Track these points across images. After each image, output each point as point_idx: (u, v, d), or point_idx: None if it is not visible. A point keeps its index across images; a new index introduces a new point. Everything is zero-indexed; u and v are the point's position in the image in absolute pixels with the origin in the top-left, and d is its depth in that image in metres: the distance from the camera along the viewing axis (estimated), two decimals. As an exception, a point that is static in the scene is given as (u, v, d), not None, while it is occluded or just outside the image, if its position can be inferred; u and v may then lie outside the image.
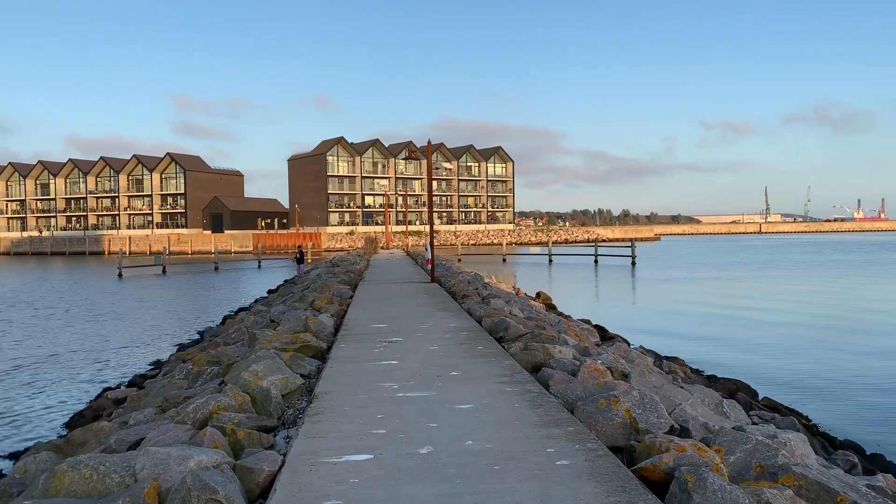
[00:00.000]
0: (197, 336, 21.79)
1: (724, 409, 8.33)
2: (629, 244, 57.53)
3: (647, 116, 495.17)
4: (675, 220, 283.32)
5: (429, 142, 20.85)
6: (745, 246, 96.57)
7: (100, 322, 25.71)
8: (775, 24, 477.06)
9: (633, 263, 53.03)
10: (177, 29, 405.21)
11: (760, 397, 12.13)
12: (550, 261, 59.53)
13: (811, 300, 29.52)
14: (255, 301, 29.45)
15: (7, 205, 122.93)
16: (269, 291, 34.94)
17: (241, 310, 26.71)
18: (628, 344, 16.70)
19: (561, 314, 20.43)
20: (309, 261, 58.52)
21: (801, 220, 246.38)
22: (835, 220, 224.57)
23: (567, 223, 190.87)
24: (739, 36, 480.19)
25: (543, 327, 11.05)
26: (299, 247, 45.79)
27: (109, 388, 13.91)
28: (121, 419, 8.41)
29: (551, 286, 37.27)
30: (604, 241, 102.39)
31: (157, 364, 17.29)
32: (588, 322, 19.49)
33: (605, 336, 17.11)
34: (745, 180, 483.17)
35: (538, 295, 26.55)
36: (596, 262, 57.21)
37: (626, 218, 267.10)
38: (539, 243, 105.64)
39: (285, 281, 38.58)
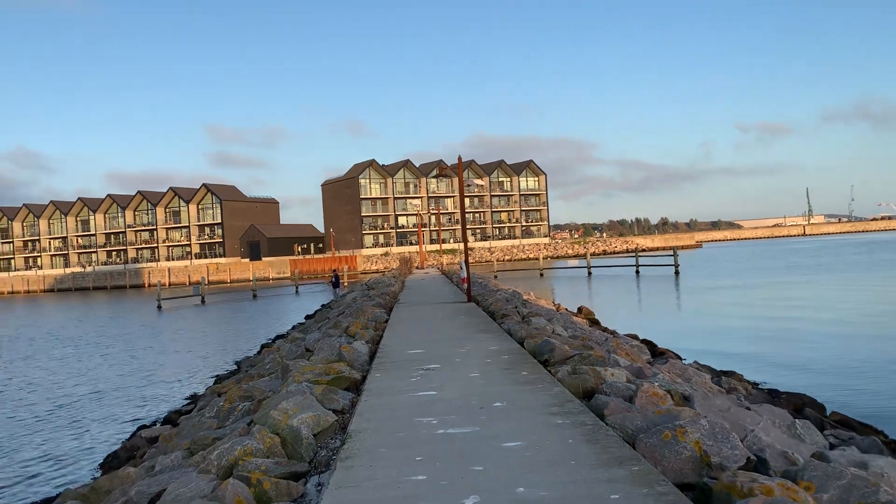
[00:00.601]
0: (234, 366, 21.53)
1: (798, 431, 7.56)
2: (670, 253, 56.20)
3: (682, 122, 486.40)
4: (716, 226, 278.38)
5: (459, 158, 20.37)
6: (792, 249, 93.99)
7: (139, 356, 25.66)
8: (807, 21, 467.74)
9: (677, 272, 51.72)
10: (211, 62, 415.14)
11: (828, 412, 11.23)
12: (589, 273, 58.46)
13: (868, 303, 28.15)
14: (293, 328, 29.20)
15: (50, 242, 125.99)
16: (307, 317, 34.72)
17: (278, 337, 26.46)
18: (680, 359, 15.87)
19: (605, 330, 19.64)
20: (345, 284, 58.41)
21: (845, 220, 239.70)
22: (881, 218, 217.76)
23: (604, 234, 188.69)
24: (772, 34, 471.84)
25: (591, 347, 10.37)
26: (334, 270, 45.65)
27: (144, 426, 13.60)
28: (149, 463, 7.99)
29: (592, 300, 36.36)
30: (643, 250, 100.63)
31: (194, 398, 16.99)
32: (635, 337, 18.66)
33: (655, 352, 16.29)
34: (785, 182, 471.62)
35: (580, 310, 25.75)
36: (637, 272, 55.98)
37: (664, 226, 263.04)
38: (576, 256, 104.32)
39: (322, 306, 38.36)
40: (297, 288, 66.51)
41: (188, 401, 16.88)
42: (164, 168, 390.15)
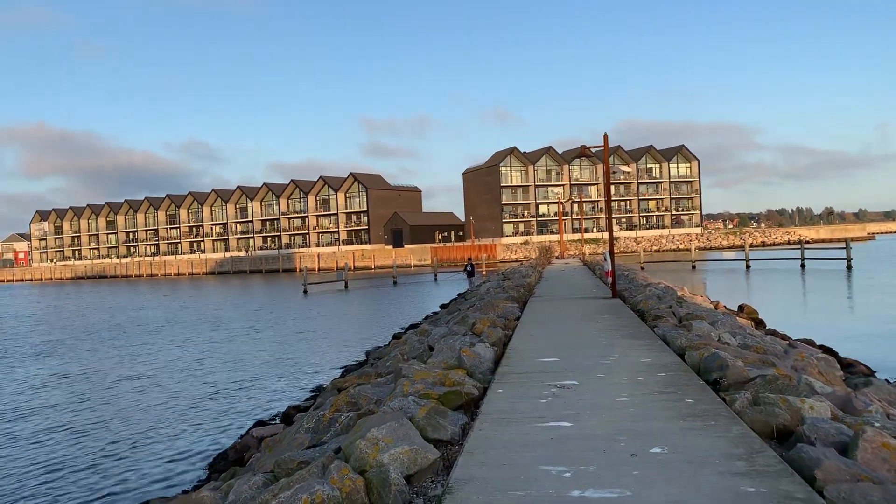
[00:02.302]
0: (363, 356, 20.83)
1: None
2: (841, 245, 50.27)
3: (855, 103, 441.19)
4: (889, 216, 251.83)
5: (605, 137, 18.23)
6: None
7: (280, 342, 25.74)
8: None
9: (849, 267, 46.06)
10: (367, 57, 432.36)
11: None
12: (748, 267, 53.56)
13: None
14: (426, 318, 28.32)
15: (212, 228, 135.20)
16: (442, 306, 33.81)
17: (411, 326, 25.65)
18: (874, 374, 13.06)
19: (776, 334, 16.87)
20: (484, 273, 57.25)
21: None
22: None
23: (761, 224, 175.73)
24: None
25: (771, 362, 8.21)
26: (469, 259, 44.55)
27: (260, 423, 12.88)
28: (233, 481, 6.91)
29: (751, 296, 32.72)
30: (808, 242, 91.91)
31: (318, 390, 16.33)
32: (812, 344, 15.81)
33: (840, 364, 13.52)
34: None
35: (741, 308, 22.79)
36: (802, 266, 50.58)
37: (830, 216, 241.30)
38: (732, 247, 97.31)
39: (458, 295, 37.38)
40: (435, 276, 66.26)
41: (312, 393, 16.23)
42: (320, 158, 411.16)
